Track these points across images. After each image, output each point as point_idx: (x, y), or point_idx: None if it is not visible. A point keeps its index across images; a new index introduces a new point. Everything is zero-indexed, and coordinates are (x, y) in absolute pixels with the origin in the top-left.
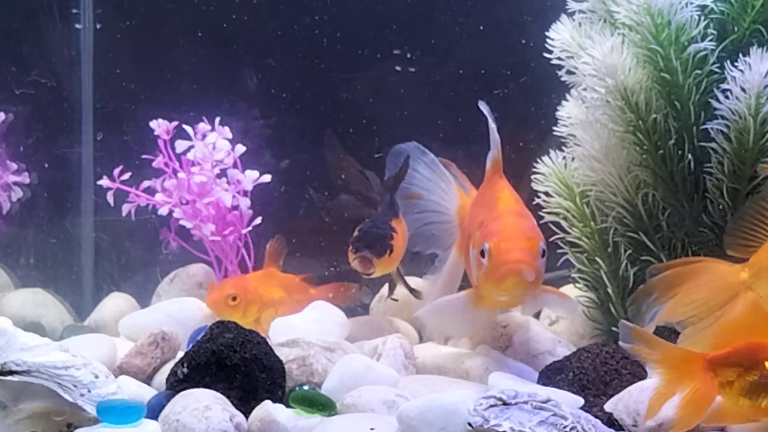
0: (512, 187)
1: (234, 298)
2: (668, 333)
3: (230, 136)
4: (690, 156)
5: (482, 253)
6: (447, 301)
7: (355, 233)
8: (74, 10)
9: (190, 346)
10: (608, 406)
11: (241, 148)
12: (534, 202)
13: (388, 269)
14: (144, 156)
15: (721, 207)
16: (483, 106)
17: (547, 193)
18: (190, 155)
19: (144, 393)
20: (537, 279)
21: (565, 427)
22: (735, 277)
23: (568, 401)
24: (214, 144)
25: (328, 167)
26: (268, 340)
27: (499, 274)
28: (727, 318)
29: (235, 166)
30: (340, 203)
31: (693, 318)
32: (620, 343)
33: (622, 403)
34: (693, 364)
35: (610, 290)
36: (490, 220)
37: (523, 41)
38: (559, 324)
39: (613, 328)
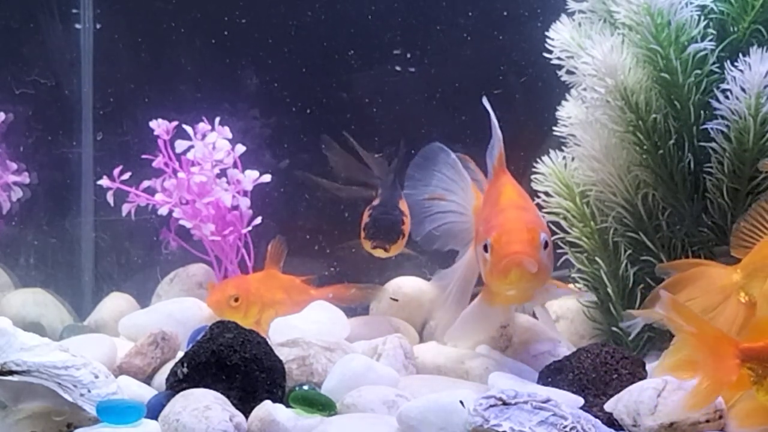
0: (516, 182)
1: (236, 299)
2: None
3: (230, 136)
4: (690, 156)
5: (485, 248)
6: (466, 316)
7: (366, 219)
8: (74, 10)
9: (190, 346)
10: (608, 406)
11: (241, 148)
12: (534, 202)
13: (398, 250)
14: (144, 156)
15: (721, 207)
16: (486, 103)
17: (547, 193)
18: (190, 155)
19: (144, 393)
20: (542, 271)
21: (565, 427)
22: (728, 278)
23: (568, 401)
24: (214, 144)
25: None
26: (268, 340)
27: (502, 267)
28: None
29: (235, 166)
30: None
31: None
32: (656, 309)
33: (622, 403)
34: (724, 347)
35: (610, 290)
36: (492, 215)
37: (523, 41)
38: (559, 324)
39: (613, 328)
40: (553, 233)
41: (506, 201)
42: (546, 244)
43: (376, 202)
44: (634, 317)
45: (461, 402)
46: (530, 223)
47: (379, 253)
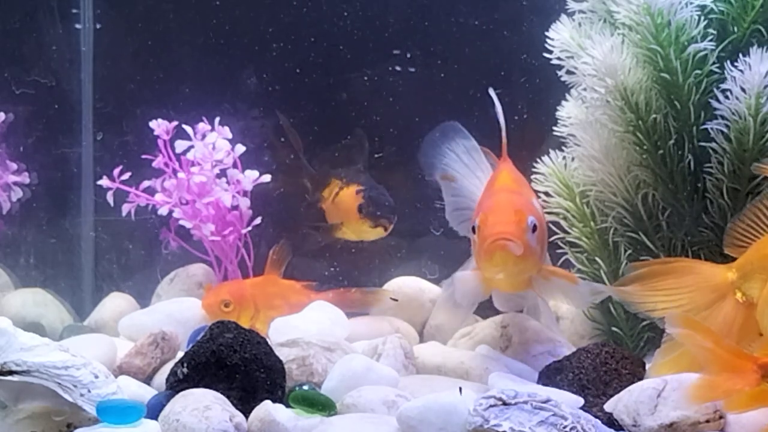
0: (516, 170)
1: (227, 305)
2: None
3: (230, 136)
4: (690, 156)
5: (474, 230)
6: (456, 287)
7: (360, 200)
8: (74, 10)
9: (190, 346)
10: (608, 406)
11: (241, 148)
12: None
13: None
14: (144, 156)
15: (721, 207)
16: (492, 93)
17: (547, 193)
18: (189, 155)
19: (144, 393)
20: (530, 254)
21: (565, 427)
22: (722, 277)
23: (568, 401)
24: (213, 144)
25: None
26: (268, 340)
27: (486, 247)
28: None
29: (235, 166)
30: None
31: None
32: (667, 329)
33: (622, 403)
34: (742, 362)
35: None
36: (484, 199)
37: (523, 41)
38: (559, 324)
39: (613, 328)
40: (553, 233)
41: (499, 186)
42: (535, 228)
43: (361, 187)
44: (600, 290)
45: (460, 389)
46: (518, 206)
47: (374, 234)
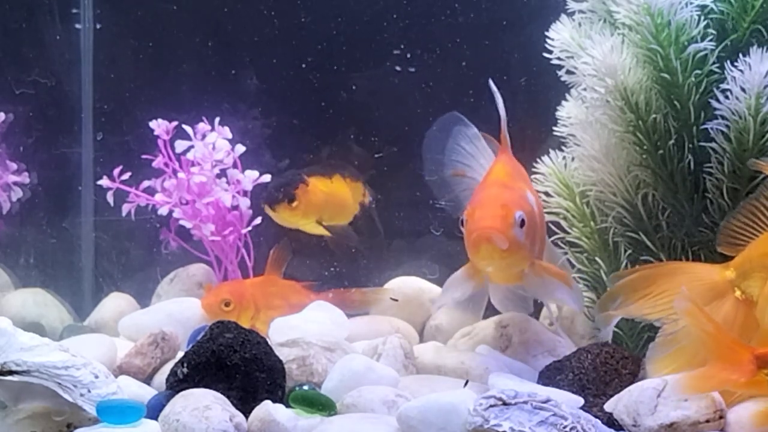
0: (513, 162)
1: (227, 304)
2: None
3: (230, 136)
4: (690, 156)
5: (462, 224)
6: (450, 282)
7: None
8: (74, 10)
9: (190, 346)
10: (608, 406)
11: (241, 148)
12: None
13: (295, 221)
14: (144, 156)
15: (721, 207)
16: (492, 86)
17: (547, 193)
18: (189, 155)
19: (144, 393)
20: (517, 248)
21: (565, 427)
22: (720, 276)
23: (568, 401)
24: (213, 144)
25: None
26: (268, 340)
27: (471, 241)
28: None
29: (234, 166)
30: None
31: (674, 315)
32: (675, 304)
33: (622, 403)
34: (740, 353)
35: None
36: (476, 192)
37: (523, 41)
38: (559, 323)
39: (613, 328)
40: (553, 233)
41: (491, 179)
42: (522, 222)
43: None
44: (610, 318)
45: (466, 381)
46: (506, 200)
47: (277, 217)
